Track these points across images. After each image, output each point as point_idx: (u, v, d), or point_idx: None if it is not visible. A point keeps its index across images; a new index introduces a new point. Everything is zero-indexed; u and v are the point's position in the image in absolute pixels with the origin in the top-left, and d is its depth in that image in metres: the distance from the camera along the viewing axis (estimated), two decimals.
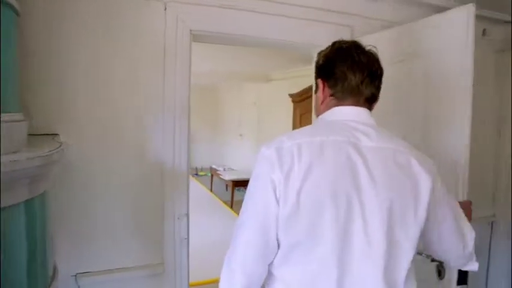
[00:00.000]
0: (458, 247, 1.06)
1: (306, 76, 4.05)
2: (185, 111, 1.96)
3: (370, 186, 0.92)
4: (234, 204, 6.48)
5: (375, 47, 1.08)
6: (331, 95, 1.05)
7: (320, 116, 1.08)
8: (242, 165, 8.58)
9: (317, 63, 1.11)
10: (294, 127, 4.68)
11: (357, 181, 0.92)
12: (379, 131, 1.01)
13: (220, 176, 6.90)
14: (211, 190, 7.75)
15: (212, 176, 7.74)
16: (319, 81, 1.09)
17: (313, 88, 1.18)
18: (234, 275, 0.96)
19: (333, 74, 1.04)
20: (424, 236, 1.01)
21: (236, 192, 6.52)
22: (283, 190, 0.90)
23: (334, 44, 1.08)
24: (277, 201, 0.91)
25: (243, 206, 1.00)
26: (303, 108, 4.30)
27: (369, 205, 0.92)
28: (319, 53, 1.11)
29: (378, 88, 1.06)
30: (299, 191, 0.89)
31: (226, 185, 7.17)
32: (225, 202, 6.84)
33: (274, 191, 0.91)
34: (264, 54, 5.14)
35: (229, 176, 6.60)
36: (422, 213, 0.95)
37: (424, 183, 0.95)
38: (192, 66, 2.01)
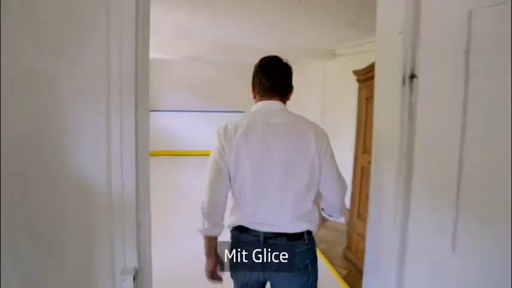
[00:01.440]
0: (341, 188, 1.60)
1: (372, 50, 3.02)
2: (130, 95, 1.10)
3: (275, 143, 1.50)
4: None
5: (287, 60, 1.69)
6: (257, 93, 1.67)
7: (251, 108, 1.66)
8: None
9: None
10: (360, 115, 3.60)
11: (266, 143, 1.50)
12: (284, 112, 1.60)
13: None
14: None
15: None
16: (252, 84, 1.69)
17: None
18: (205, 197, 1.52)
19: (255, 80, 1.66)
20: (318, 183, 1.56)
21: None
22: (228, 151, 1.51)
23: (260, 60, 1.68)
24: (224, 157, 1.51)
25: (208, 164, 1.58)
26: (368, 90, 3.22)
27: (274, 154, 1.50)
28: (255, 66, 1.68)
29: (288, 86, 1.69)
30: (236, 152, 1.49)
31: None
32: None
33: (222, 152, 1.52)
34: (328, 23, 4.13)
35: None
36: (312, 154, 1.50)
37: (310, 137, 1.51)
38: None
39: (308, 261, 1.53)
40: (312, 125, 1.57)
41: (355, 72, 3.52)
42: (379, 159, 1.37)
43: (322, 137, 1.53)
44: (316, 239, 1.62)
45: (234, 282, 1.63)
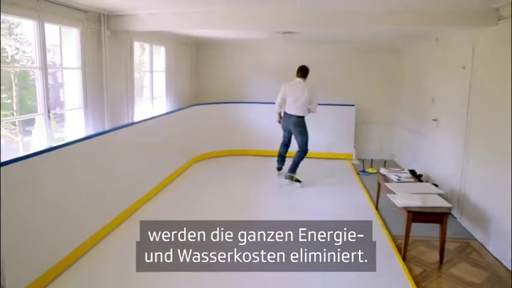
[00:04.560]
0: (315, 105, 5.75)
1: None
2: None
3: (296, 90, 5.62)
4: (409, 255, 3.62)
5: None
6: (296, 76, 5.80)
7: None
8: (437, 170, 5.37)
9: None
10: None
11: (293, 92, 5.64)
12: (302, 83, 5.67)
13: (389, 195, 4.01)
14: (376, 207, 4.94)
15: (379, 187, 4.88)
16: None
17: None
18: (277, 103, 5.83)
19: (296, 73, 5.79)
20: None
21: (416, 229, 3.59)
22: (284, 92, 5.73)
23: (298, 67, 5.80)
24: (283, 94, 5.74)
25: (278, 95, 5.84)
26: None
27: (294, 97, 5.62)
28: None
29: (306, 76, 5.72)
30: (286, 92, 5.71)
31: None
32: (395, 238, 4.01)
33: (283, 92, 5.74)
34: None
35: (403, 200, 3.68)
36: (306, 96, 5.58)
37: (305, 89, 5.57)
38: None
39: (300, 122, 5.67)
40: (307, 86, 5.59)
41: None
42: None
43: (311, 89, 5.59)
44: None
45: (282, 127, 5.93)
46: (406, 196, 3.75)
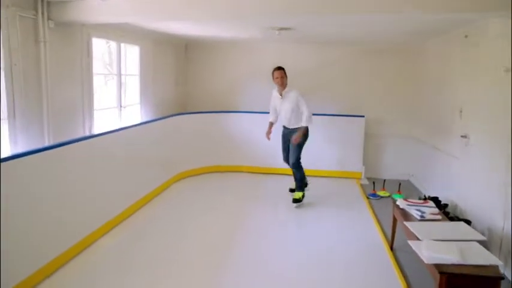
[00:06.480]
0: (306, 112, 4.98)
1: None
2: None
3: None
4: None
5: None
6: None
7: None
8: (467, 199, 4.28)
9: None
10: None
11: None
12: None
13: (410, 242, 2.94)
14: (391, 247, 3.86)
15: (394, 222, 3.82)
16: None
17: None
18: (270, 113, 5.54)
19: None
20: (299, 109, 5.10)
21: None
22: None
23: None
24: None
25: (269, 106, 5.54)
26: None
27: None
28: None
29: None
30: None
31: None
32: None
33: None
34: None
35: (432, 254, 2.61)
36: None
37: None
38: None
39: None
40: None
41: None
42: None
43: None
44: None
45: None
46: (435, 246, 2.68)
